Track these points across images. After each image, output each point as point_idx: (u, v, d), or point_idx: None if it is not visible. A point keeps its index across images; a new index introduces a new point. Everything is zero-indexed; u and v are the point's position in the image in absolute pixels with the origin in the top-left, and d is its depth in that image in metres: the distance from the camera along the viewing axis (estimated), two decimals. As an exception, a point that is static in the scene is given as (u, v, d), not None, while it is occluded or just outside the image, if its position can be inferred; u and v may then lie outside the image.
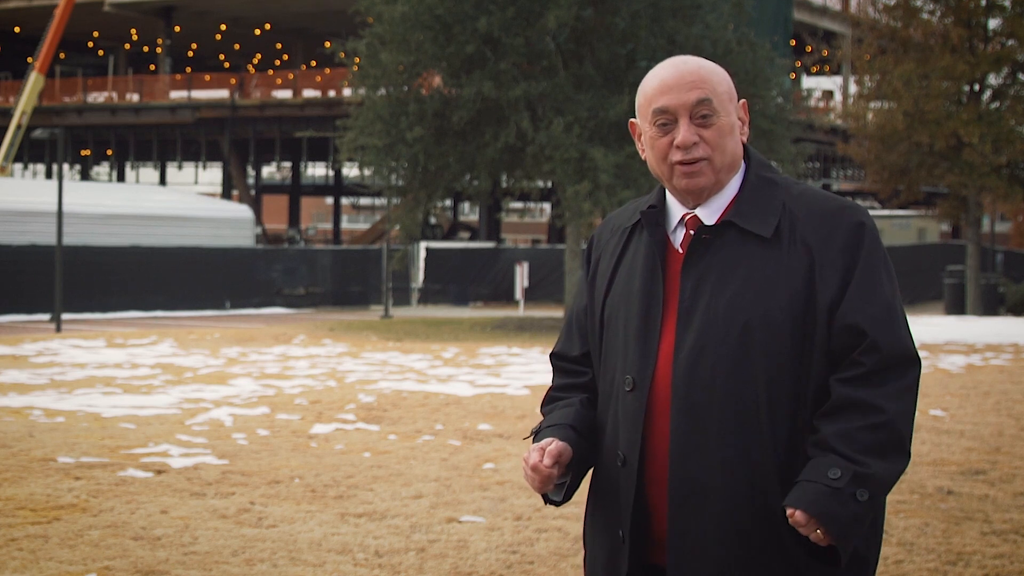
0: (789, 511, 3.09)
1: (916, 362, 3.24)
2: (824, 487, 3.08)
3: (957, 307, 39.65)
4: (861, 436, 3.13)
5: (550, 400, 3.61)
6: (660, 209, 3.40)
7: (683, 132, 3.28)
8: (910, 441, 3.21)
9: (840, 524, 3.07)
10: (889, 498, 9.31)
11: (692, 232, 3.32)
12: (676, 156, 3.29)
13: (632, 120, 3.49)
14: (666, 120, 3.31)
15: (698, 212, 3.34)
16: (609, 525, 3.37)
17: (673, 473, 3.21)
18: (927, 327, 31.13)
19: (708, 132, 3.29)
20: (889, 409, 3.15)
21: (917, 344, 21.59)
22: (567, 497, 3.44)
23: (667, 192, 3.42)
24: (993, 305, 39.21)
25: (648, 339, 3.30)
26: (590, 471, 3.50)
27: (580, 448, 3.39)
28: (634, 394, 3.29)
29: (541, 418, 3.55)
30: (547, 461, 3.27)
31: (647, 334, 3.30)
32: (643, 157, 3.45)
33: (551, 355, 3.70)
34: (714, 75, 3.34)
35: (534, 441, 3.44)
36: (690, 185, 3.30)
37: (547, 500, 3.47)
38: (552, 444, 3.31)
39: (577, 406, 3.48)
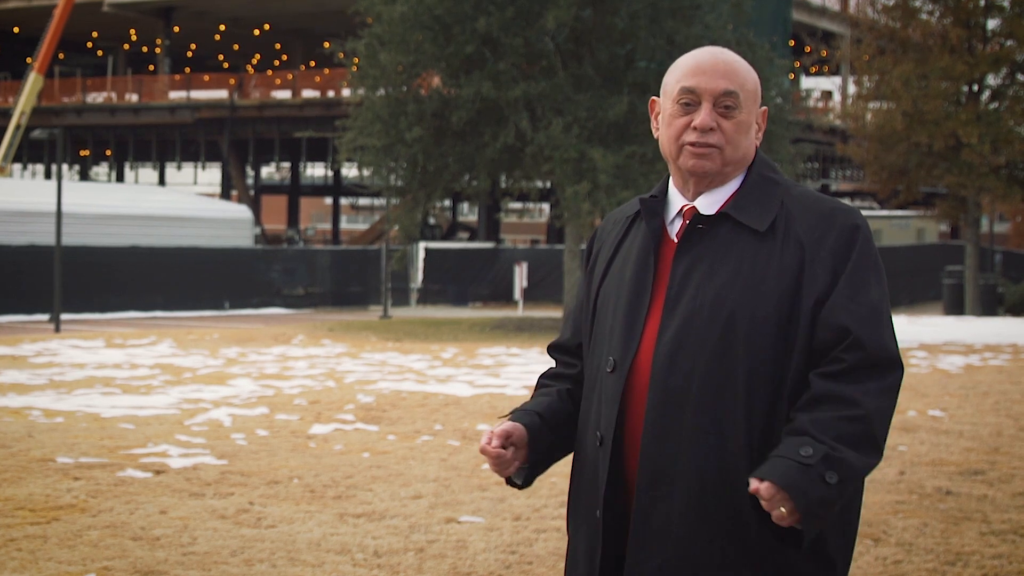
0: (753, 484, 3.07)
1: (898, 366, 3.24)
2: (795, 463, 3.07)
3: (956, 307, 39.68)
4: (836, 425, 3.12)
5: (539, 386, 3.69)
6: (661, 200, 3.45)
7: (703, 115, 3.32)
8: (884, 441, 3.21)
9: (807, 501, 3.05)
10: (887, 498, 9.36)
11: (688, 222, 3.36)
12: (691, 137, 3.33)
13: (654, 98, 3.53)
14: (690, 100, 3.35)
15: (697, 203, 3.37)
16: (588, 507, 3.40)
17: (644, 454, 3.24)
18: (926, 327, 31.14)
19: (727, 123, 3.33)
20: (866, 405, 3.15)
21: (917, 344, 21.67)
22: (528, 481, 3.52)
23: (669, 184, 3.47)
24: (992, 305, 39.24)
25: (634, 323, 3.33)
26: (565, 460, 3.56)
27: (541, 433, 3.47)
28: (614, 375, 3.32)
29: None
30: (495, 443, 3.37)
31: (633, 318, 3.34)
32: (655, 135, 3.49)
33: (549, 346, 3.77)
34: (747, 73, 3.39)
35: None
36: (696, 167, 3.34)
37: (509, 482, 3.54)
38: (500, 426, 3.41)
39: (553, 396, 3.57)
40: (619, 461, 3.32)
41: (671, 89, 3.39)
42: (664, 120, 3.42)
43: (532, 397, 3.63)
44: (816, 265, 3.23)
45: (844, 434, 3.12)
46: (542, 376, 3.70)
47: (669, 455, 3.22)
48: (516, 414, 3.50)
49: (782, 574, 3.20)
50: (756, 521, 3.16)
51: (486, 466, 11.04)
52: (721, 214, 3.33)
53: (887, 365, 3.21)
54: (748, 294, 3.22)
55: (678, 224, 3.39)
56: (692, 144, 3.33)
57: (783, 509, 3.06)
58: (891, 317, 3.28)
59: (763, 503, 3.08)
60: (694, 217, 3.34)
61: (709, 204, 3.36)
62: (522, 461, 3.43)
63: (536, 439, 3.45)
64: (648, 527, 3.23)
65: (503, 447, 3.38)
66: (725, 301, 3.23)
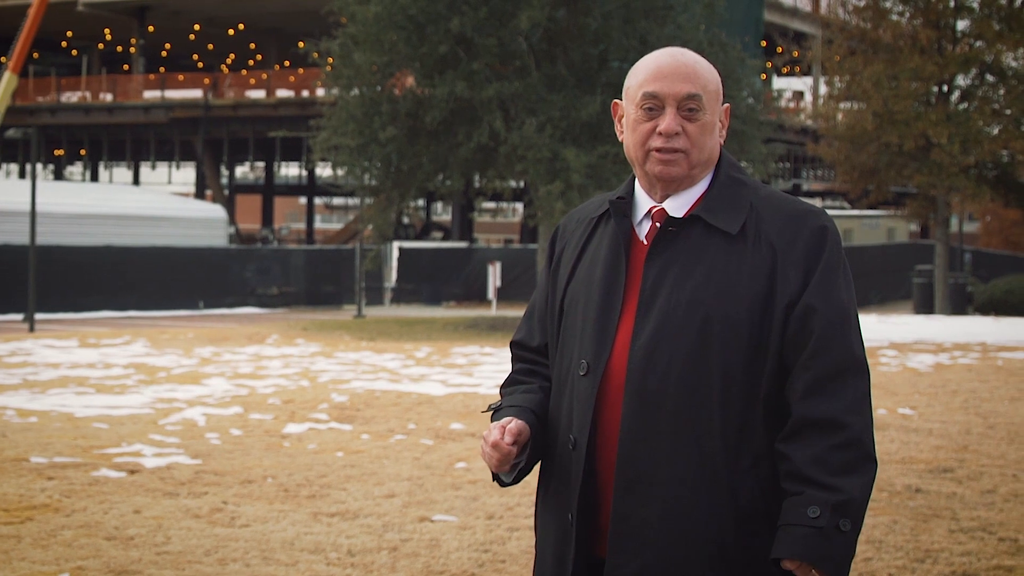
0: (784, 564, 3.14)
1: (864, 370, 3.27)
2: (808, 528, 3.12)
3: (926, 306, 39.84)
4: (832, 458, 3.16)
5: (512, 382, 3.64)
6: (628, 201, 3.43)
7: (668, 120, 3.31)
8: (874, 447, 3.25)
9: (833, 562, 3.12)
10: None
11: (658, 224, 3.35)
12: (656, 143, 3.33)
13: (616, 101, 3.52)
14: (653, 105, 3.34)
15: (665, 205, 3.37)
16: (559, 509, 3.39)
17: (621, 457, 3.24)
18: (896, 326, 31.26)
19: (691, 126, 3.32)
20: (852, 424, 3.18)
21: (887, 342, 21.77)
22: (517, 480, 3.47)
23: (636, 185, 3.45)
24: (961, 304, 39.43)
25: (606, 326, 3.32)
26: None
27: (537, 433, 3.43)
28: (588, 378, 3.31)
29: (487, 463, 3.49)
30: (507, 439, 3.31)
31: (605, 321, 3.33)
32: (620, 139, 3.48)
33: (511, 343, 3.75)
34: (708, 72, 3.38)
35: (493, 418, 3.48)
36: (663, 173, 3.33)
37: (496, 479, 3.50)
38: (512, 423, 3.35)
39: (538, 393, 3.52)
40: (592, 464, 3.31)
41: (634, 94, 3.39)
42: (628, 125, 3.41)
43: (514, 392, 3.58)
44: (788, 268, 3.24)
45: (842, 465, 3.16)
46: (516, 372, 3.67)
47: (646, 458, 3.22)
48: (513, 411, 3.45)
49: (757, 574, 3.24)
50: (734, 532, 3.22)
51: (460, 464, 11.08)
52: (692, 216, 3.32)
53: (854, 370, 3.24)
54: (722, 296, 3.23)
55: (647, 225, 3.39)
56: (658, 150, 3.32)
57: (815, 573, 3.14)
58: (858, 319, 3.31)
59: (797, 572, 3.15)
60: (666, 220, 3.33)
61: (678, 206, 3.36)
62: (516, 455, 3.38)
63: (533, 440, 3.42)
64: (626, 531, 3.24)
65: (513, 443, 3.34)
66: (699, 303, 3.23)
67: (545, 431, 3.46)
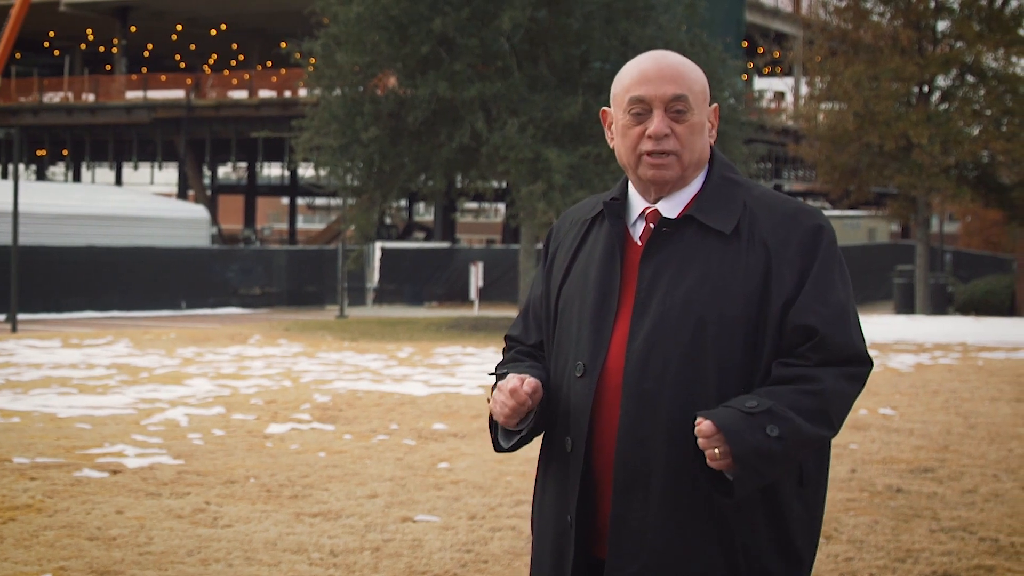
0: (699, 419, 3.10)
1: (866, 362, 3.28)
2: (738, 411, 3.10)
3: (907, 306, 39.93)
4: (790, 396, 3.16)
5: (512, 360, 3.61)
6: (622, 202, 3.44)
7: (656, 123, 3.32)
8: (839, 420, 3.23)
9: (743, 446, 3.07)
10: (839, 496, 9.46)
11: (652, 225, 3.36)
12: (647, 146, 3.34)
13: (604, 108, 3.52)
14: (641, 110, 3.35)
15: (659, 206, 3.38)
16: (557, 511, 3.40)
17: (619, 459, 3.25)
18: (877, 326, 31.34)
19: (680, 127, 3.33)
20: (825, 383, 3.19)
21: (868, 343, 21.89)
22: (515, 447, 3.45)
23: (629, 186, 3.47)
24: (942, 304, 39.51)
25: (602, 327, 3.33)
26: (521, 459, 3.55)
27: (544, 403, 3.41)
28: (584, 380, 3.32)
29: (496, 413, 3.44)
30: (527, 388, 3.29)
31: (601, 322, 3.33)
32: (611, 146, 3.48)
33: (507, 337, 3.72)
34: (693, 73, 3.39)
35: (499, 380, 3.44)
36: (656, 176, 3.35)
37: (496, 441, 3.49)
38: (529, 377, 3.32)
39: (544, 372, 3.49)
40: (589, 465, 3.32)
41: (621, 99, 3.40)
42: (618, 131, 3.42)
43: (519, 365, 3.53)
44: (783, 267, 3.25)
45: (797, 405, 3.14)
46: (516, 351, 3.65)
47: (644, 459, 3.23)
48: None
49: (756, 572, 3.24)
50: (706, 479, 3.17)
51: (443, 464, 11.08)
52: (686, 216, 3.33)
53: (856, 362, 3.25)
54: (716, 296, 3.24)
55: (641, 226, 3.40)
56: (649, 153, 3.34)
57: (717, 451, 3.08)
58: (857, 315, 3.32)
59: (700, 441, 3.09)
60: (660, 221, 3.34)
61: (672, 207, 3.37)
62: (522, 419, 3.37)
63: (541, 407, 3.40)
64: (625, 532, 3.24)
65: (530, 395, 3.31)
66: (694, 304, 3.24)
67: (549, 406, 3.44)
